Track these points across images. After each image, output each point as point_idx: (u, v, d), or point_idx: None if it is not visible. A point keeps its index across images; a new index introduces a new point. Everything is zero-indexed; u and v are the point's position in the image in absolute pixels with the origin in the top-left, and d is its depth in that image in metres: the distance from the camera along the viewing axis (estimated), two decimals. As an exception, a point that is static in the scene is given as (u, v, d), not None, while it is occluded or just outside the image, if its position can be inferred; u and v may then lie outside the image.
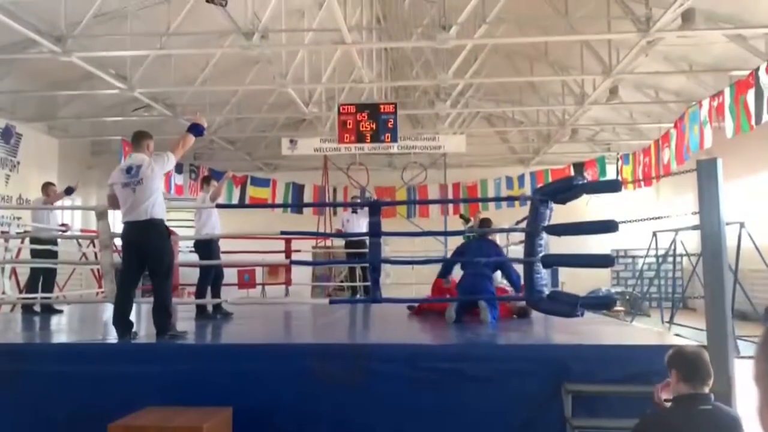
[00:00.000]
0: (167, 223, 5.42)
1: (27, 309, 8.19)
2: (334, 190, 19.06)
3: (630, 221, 5.32)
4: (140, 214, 5.16)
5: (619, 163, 17.28)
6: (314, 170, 18.34)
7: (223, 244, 8.19)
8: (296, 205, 19.27)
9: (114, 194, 5.33)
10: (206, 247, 7.29)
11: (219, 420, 4.09)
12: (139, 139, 5.44)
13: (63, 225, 9.16)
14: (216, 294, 7.38)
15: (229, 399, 4.31)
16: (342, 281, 13.72)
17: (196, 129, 5.62)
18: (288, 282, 11.63)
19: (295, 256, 11.27)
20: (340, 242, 14.54)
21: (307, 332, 7.01)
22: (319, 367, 4.44)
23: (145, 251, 5.22)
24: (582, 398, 4.24)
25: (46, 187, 8.78)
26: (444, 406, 4.34)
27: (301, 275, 13.04)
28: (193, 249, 7.37)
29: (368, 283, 8.02)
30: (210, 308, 7.25)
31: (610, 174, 17.40)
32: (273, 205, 18.86)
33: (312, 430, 4.39)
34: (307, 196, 19.26)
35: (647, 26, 10.04)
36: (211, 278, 7.26)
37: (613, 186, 5.81)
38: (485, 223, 7.85)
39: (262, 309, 8.74)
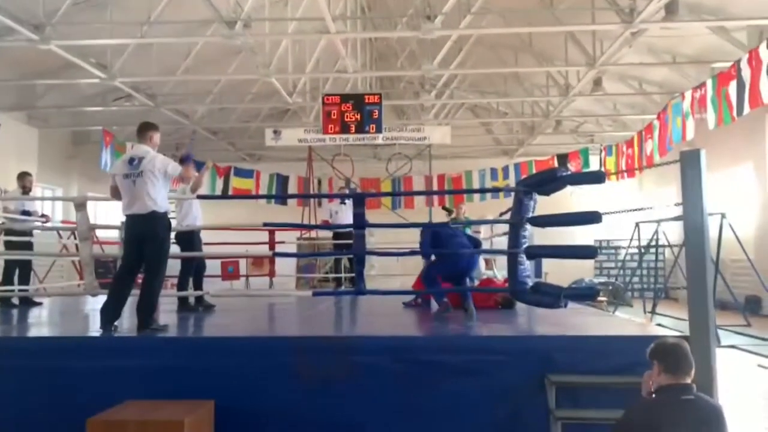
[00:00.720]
0: None
1: (5, 302, 8.06)
2: (319, 182, 18.94)
3: (613, 212, 5.33)
4: (141, 207, 5.09)
5: (603, 154, 17.37)
6: (298, 161, 18.24)
7: (207, 236, 8.11)
8: (280, 196, 19.12)
9: (116, 185, 5.26)
10: (188, 238, 7.21)
11: (200, 413, 4.05)
12: (143, 131, 5.36)
13: (43, 216, 8.99)
14: (198, 286, 7.31)
15: (211, 392, 4.27)
16: (327, 272, 13.68)
17: (188, 158, 5.69)
18: (272, 274, 11.57)
19: (279, 248, 11.20)
20: (325, 233, 14.49)
21: (291, 325, 6.97)
22: (302, 360, 4.41)
23: (144, 243, 5.14)
24: (566, 389, 4.25)
25: (23, 177, 8.62)
26: (428, 397, 4.34)
27: (286, 266, 12.98)
28: (174, 241, 7.27)
29: (353, 275, 7.99)
30: (192, 300, 7.18)
31: (594, 165, 17.48)
32: (257, 196, 18.72)
33: (295, 423, 4.36)
34: (292, 188, 19.15)
35: (631, 17, 10.06)
36: (192, 270, 7.19)
37: (597, 177, 5.81)
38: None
39: (245, 301, 8.68)
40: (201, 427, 4.05)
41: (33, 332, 6.20)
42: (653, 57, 13.92)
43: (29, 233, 8.52)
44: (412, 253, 7.44)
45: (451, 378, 4.35)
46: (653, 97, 15.77)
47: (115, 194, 5.32)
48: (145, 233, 5.13)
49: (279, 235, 11.44)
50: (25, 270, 8.33)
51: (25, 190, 8.55)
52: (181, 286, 7.12)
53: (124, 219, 5.33)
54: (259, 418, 4.34)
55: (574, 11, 11.58)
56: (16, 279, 8.22)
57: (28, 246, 8.52)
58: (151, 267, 5.20)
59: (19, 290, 8.13)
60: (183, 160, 7.89)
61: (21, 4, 9.99)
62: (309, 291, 10.67)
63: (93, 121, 16.58)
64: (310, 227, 13.01)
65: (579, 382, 4.28)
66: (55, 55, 11.03)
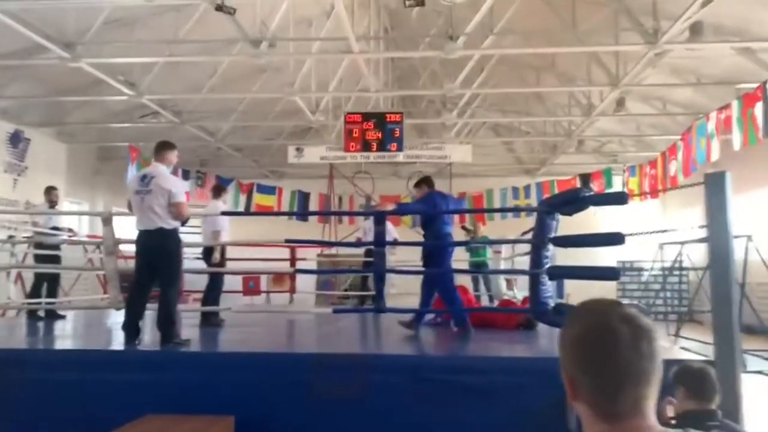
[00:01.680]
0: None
1: (31, 314, 8.20)
2: (340, 199, 19.05)
3: (636, 233, 5.29)
4: (149, 223, 5.20)
5: (626, 174, 17.22)
6: (320, 178, 18.35)
7: (229, 251, 8.21)
8: (302, 213, 19.26)
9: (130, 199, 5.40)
10: (211, 253, 7.30)
11: (220, 429, 4.07)
12: (159, 150, 5.50)
13: (69, 230, 9.18)
14: (214, 301, 7.41)
15: (230, 408, 4.29)
16: (347, 290, 13.69)
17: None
18: (292, 290, 11.62)
19: (300, 264, 11.26)
20: (346, 251, 14.52)
21: (310, 341, 6.98)
22: (320, 377, 4.41)
23: (154, 258, 5.23)
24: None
25: (49, 191, 8.81)
26: (445, 419, 4.30)
27: (306, 283, 13.03)
28: (200, 256, 7.38)
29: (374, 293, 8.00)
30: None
31: (617, 186, 17.33)
32: (279, 213, 18.84)
33: (313, 441, 4.35)
34: (313, 204, 19.25)
35: (655, 38, 10.03)
36: (220, 286, 7.33)
37: (620, 198, 5.78)
38: (426, 182, 6.93)
39: (266, 317, 8.72)
40: (220, 443, 4.06)
41: (57, 345, 6.30)
42: (677, 78, 13.83)
43: (57, 247, 8.69)
44: (432, 272, 7.41)
45: (469, 399, 4.31)
46: (677, 118, 15.62)
47: (131, 208, 5.45)
48: (155, 248, 5.25)
49: (300, 252, 11.51)
50: (53, 283, 8.49)
51: (52, 204, 8.74)
52: (206, 301, 7.20)
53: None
54: (278, 434, 4.34)
55: (598, 32, 11.57)
56: (43, 292, 8.37)
57: (56, 260, 8.68)
58: (164, 281, 5.32)
59: (46, 303, 8.27)
60: (219, 187, 8.12)
61: (53, 22, 10.26)
62: (329, 308, 10.70)
63: (120, 137, 16.88)
64: (331, 244, 13.07)
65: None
66: (85, 72, 11.29)
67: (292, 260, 10.94)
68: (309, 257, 13.24)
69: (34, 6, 9.20)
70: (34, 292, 8.42)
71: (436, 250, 6.48)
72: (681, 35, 10.05)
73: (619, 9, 10.69)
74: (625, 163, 18.16)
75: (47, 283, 8.35)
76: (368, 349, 6.29)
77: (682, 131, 13.31)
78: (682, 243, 12.39)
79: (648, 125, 17.49)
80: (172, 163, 5.52)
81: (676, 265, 13.01)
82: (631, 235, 5.08)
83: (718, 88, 13.33)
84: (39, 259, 8.58)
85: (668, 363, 3.80)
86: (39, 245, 8.59)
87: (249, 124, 17.37)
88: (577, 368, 1.21)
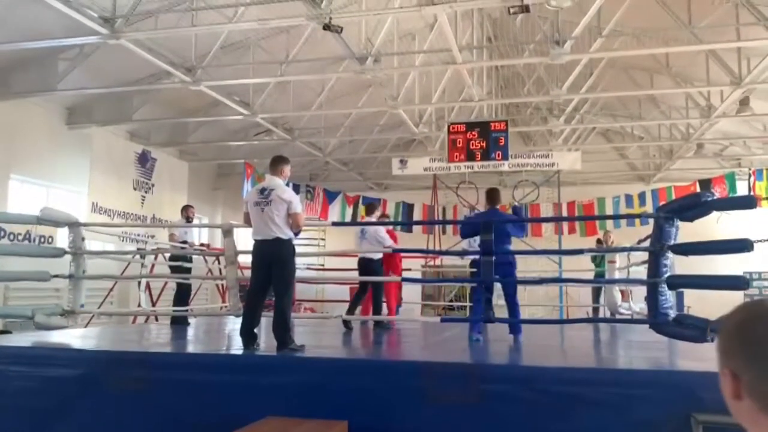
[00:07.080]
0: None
1: (175, 321, 8.84)
2: (444, 210, 19.06)
3: (766, 240, 4.92)
4: (267, 233, 5.46)
5: (752, 179, 16.07)
6: (424, 189, 18.47)
7: (337, 262, 8.50)
8: (406, 223, 19.44)
9: (248, 212, 5.68)
10: (372, 265, 8.24)
11: (335, 433, 4.18)
12: (275, 164, 5.79)
13: (202, 245, 9.88)
14: (376, 310, 8.32)
15: (344, 413, 4.39)
16: (451, 300, 13.65)
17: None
18: (398, 300, 11.74)
19: (405, 275, 11.34)
20: (450, 261, 14.49)
21: (420, 350, 7.02)
22: (433, 386, 4.42)
23: (270, 266, 5.49)
24: (715, 430, 3.93)
25: (186, 209, 9.55)
26: (559, 430, 4.19)
27: (411, 293, 13.12)
28: (310, 266, 7.74)
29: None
30: (371, 324, 8.30)
31: (741, 191, 16.20)
32: (384, 223, 19.08)
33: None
34: (417, 215, 19.39)
35: (783, 31, 9.33)
36: (382, 292, 8.22)
37: (747, 202, 5.39)
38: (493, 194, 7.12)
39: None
40: (335, 446, 4.17)
41: (182, 349, 6.72)
42: (810, 72, 12.73)
43: (189, 260, 9.35)
44: (540, 281, 7.26)
45: (585, 411, 4.17)
46: (811, 116, 14.40)
47: (247, 220, 5.73)
48: (271, 257, 5.48)
49: (405, 263, 11.61)
50: (187, 293, 9.18)
51: (188, 220, 9.46)
52: (377, 308, 8.20)
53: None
54: (391, 441, 4.39)
55: (716, 28, 10.91)
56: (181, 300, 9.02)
57: (188, 271, 9.34)
58: (278, 289, 5.53)
59: (179, 311, 8.91)
60: (375, 207, 8.94)
61: (176, 49, 11.08)
62: (436, 317, 10.71)
63: (236, 154, 17.86)
64: (436, 253, 13.10)
65: (731, 422, 3.93)
66: (204, 94, 12.08)
67: (398, 270, 11.06)
68: (414, 268, 13.33)
69: (160, 34, 9.95)
70: (181, 301, 9.06)
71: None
72: (814, 26, 9.28)
73: (739, 2, 10.03)
74: (751, 167, 16.93)
75: (183, 293, 9.02)
76: (479, 358, 6.24)
77: (818, 130, 12.24)
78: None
79: (776, 125, 16.21)
80: (287, 176, 5.79)
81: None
82: (761, 241, 4.73)
83: None
84: (173, 270, 9.25)
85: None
86: (174, 257, 9.27)
87: (355, 138, 17.81)
88: (739, 358, 1.09)
